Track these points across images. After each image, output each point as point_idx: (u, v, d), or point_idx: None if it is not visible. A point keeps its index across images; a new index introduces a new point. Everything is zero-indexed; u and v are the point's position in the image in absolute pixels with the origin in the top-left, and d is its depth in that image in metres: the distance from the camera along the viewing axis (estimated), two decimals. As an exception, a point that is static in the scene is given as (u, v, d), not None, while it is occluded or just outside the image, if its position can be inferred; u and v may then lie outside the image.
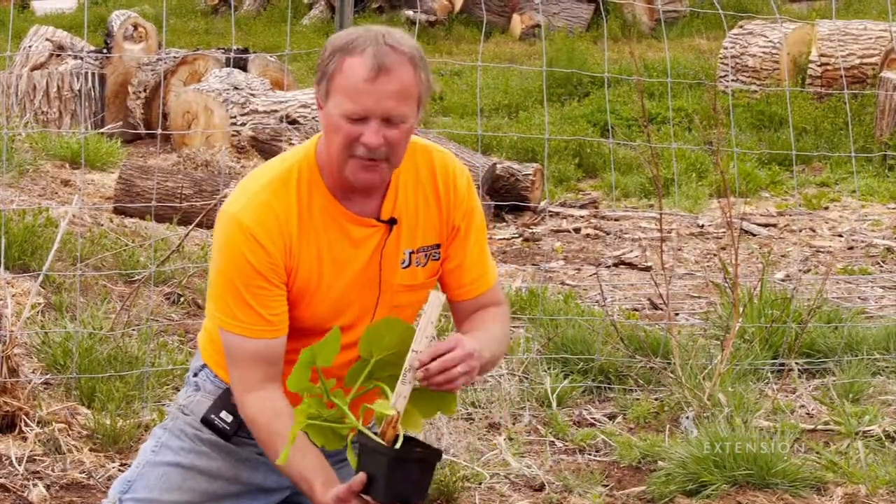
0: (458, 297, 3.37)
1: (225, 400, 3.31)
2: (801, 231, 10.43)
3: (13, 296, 6.52)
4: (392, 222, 3.22)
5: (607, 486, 5.54)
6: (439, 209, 3.28)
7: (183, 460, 3.36)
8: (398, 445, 2.95)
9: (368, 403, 3.06)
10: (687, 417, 6.06)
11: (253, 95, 12.61)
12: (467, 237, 3.32)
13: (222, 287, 3.16)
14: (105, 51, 14.26)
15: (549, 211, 11.06)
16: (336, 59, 3.05)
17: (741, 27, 14.88)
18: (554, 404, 6.25)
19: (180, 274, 7.53)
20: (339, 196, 3.18)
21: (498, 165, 11.02)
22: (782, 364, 6.65)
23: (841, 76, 13.51)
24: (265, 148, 11.70)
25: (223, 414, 3.31)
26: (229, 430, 3.32)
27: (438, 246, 3.30)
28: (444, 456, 5.66)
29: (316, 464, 3.10)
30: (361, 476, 2.98)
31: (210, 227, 8.70)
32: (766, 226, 10.62)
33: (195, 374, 3.42)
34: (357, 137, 3.06)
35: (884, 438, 5.84)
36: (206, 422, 3.33)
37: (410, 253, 3.26)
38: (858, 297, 8.42)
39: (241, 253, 3.12)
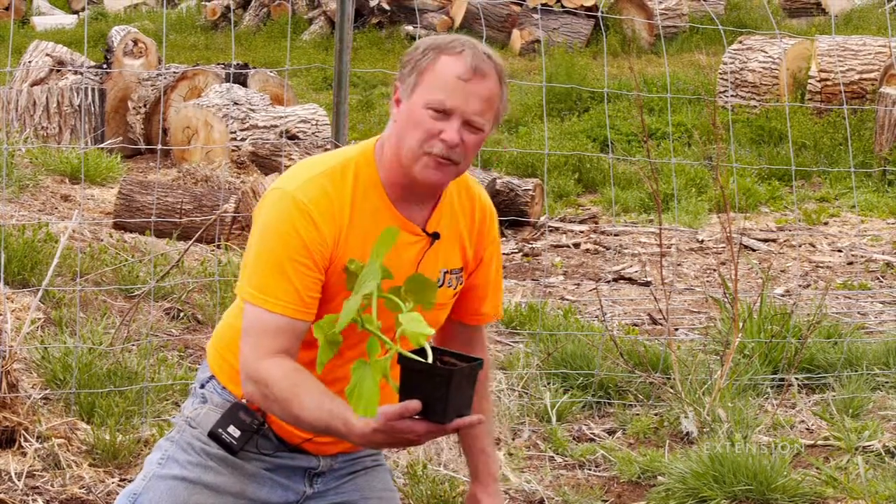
0: (470, 321, 3.44)
1: (233, 414, 3.29)
2: (800, 246, 10.43)
3: (13, 311, 6.52)
4: (435, 236, 3.25)
5: (607, 501, 5.54)
6: (470, 237, 3.33)
7: (189, 474, 3.35)
8: (430, 358, 2.89)
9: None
10: (686, 416, 6.06)
11: (253, 111, 12.63)
12: (490, 266, 3.39)
13: (264, 260, 3.13)
14: (105, 66, 14.28)
15: (549, 226, 11.07)
16: (431, 56, 3.11)
17: (740, 42, 14.90)
18: (554, 419, 6.25)
19: (180, 289, 7.53)
20: (392, 197, 3.20)
21: (497, 181, 11.03)
22: (782, 379, 6.65)
23: (840, 91, 13.53)
24: (265, 163, 11.71)
25: (231, 429, 3.30)
26: (237, 444, 3.30)
27: (462, 270, 3.34)
28: (449, 466, 5.68)
29: (344, 403, 3.03)
30: (416, 403, 2.90)
31: (210, 241, 8.74)
32: (765, 241, 10.63)
33: (202, 386, 3.40)
34: (437, 133, 3.09)
35: (884, 454, 5.84)
36: (213, 436, 3.31)
37: (445, 273, 3.29)
38: (858, 313, 8.42)
39: (293, 226, 3.11)
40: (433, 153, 3.10)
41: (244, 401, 3.28)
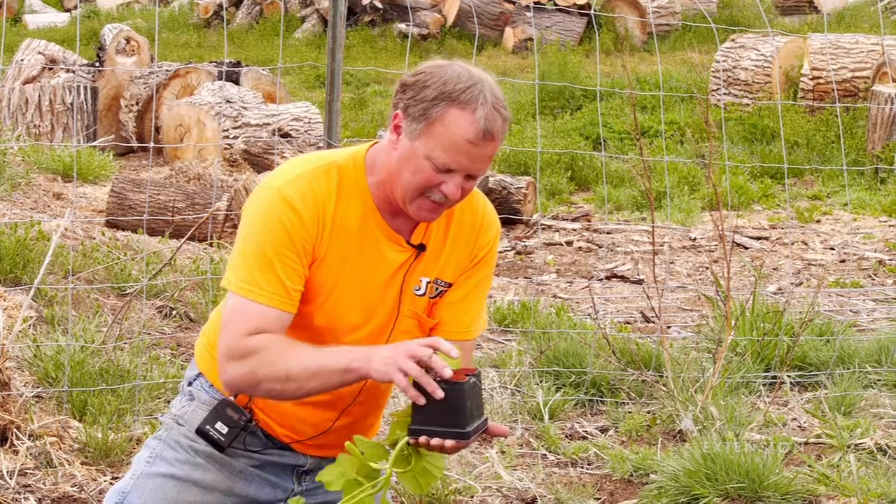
0: (447, 336, 3.27)
1: (220, 411, 3.29)
2: (793, 244, 10.44)
3: (5, 309, 6.51)
4: (421, 248, 3.23)
5: (599, 499, 5.54)
6: (470, 251, 3.30)
7: (178, 472, 3.35)
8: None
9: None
10: (686, 415, 6.06)
11: (245, 109, 12.62)
12: (473, 275, 3.33)
13: (250, 252, 3.14)
14: (97, 64, 14.26)
15: (542, 224, 11.07)
16: (442, 107, 3.05)
17: (733, 41, 14.91)
18: (546, 417, 6.25)
19: (172, 287, 7.53)
20: (380, 207, 3.20)
21: (490, 178, 11.03)
22: (774, 377, 6.65)
23: (833, 89, 13.55)
24: (257, 161, 11.70)
25: (218, 425, 3.30)
26: (224, 441, 3.30)
27: (450, 286, 3.31)
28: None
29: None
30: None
31: (202, 240, 8.72)
32: (758, 239, 10.63)
33: (189, 384, 3.40)
34: (438, 184, 3.09)
35: (875, 451, 5.84)
36: (200, 433, 3.32)
37: (427, 282, 3.27)
38: (850, 310, 8.43)
39: (278, 219, 3.12)
40: (431, 198, 3.11)
41: (232, 398, 3.28)
